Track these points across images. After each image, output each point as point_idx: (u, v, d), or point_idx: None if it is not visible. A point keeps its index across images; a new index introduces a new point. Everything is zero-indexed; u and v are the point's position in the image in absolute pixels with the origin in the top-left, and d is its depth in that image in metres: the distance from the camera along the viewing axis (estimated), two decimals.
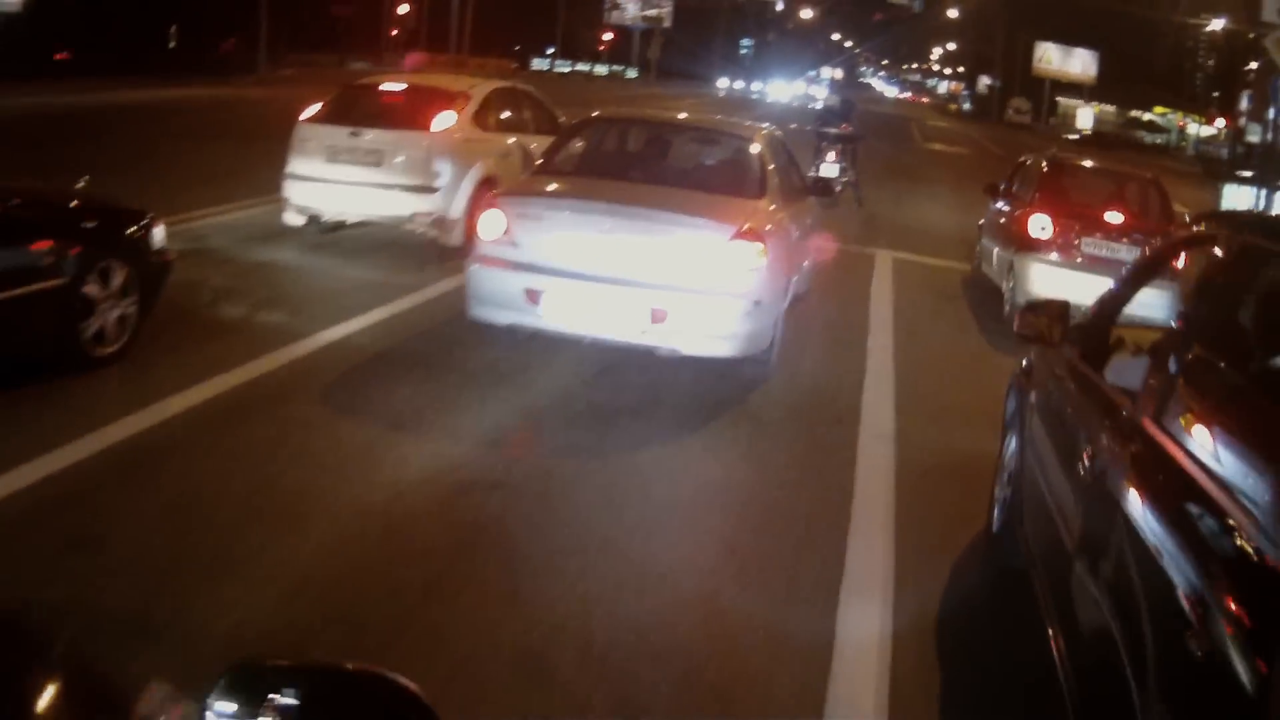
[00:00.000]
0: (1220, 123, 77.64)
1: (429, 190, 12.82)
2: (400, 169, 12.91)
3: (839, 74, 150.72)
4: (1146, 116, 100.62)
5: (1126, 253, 12.67)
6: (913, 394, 9.83)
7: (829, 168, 22.22)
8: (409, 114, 13.55)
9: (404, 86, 14.53)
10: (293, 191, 12.99)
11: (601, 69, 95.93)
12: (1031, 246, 12.98)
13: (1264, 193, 30.04)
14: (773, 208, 9.48)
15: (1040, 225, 12.98)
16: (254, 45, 47.22)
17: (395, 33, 61.52)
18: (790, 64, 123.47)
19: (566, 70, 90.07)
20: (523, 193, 9.45)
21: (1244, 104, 70.88)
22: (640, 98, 61.36)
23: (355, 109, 13.73)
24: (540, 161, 10.50)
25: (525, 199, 9.13)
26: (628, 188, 9.40)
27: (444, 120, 13.29)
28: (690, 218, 8.61)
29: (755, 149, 10.30)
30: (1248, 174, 38.24)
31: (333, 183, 12.98)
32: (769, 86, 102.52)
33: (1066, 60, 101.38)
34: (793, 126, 47.88)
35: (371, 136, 13.04)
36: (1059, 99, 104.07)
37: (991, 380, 9.30)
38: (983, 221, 16.26)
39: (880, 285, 14.91)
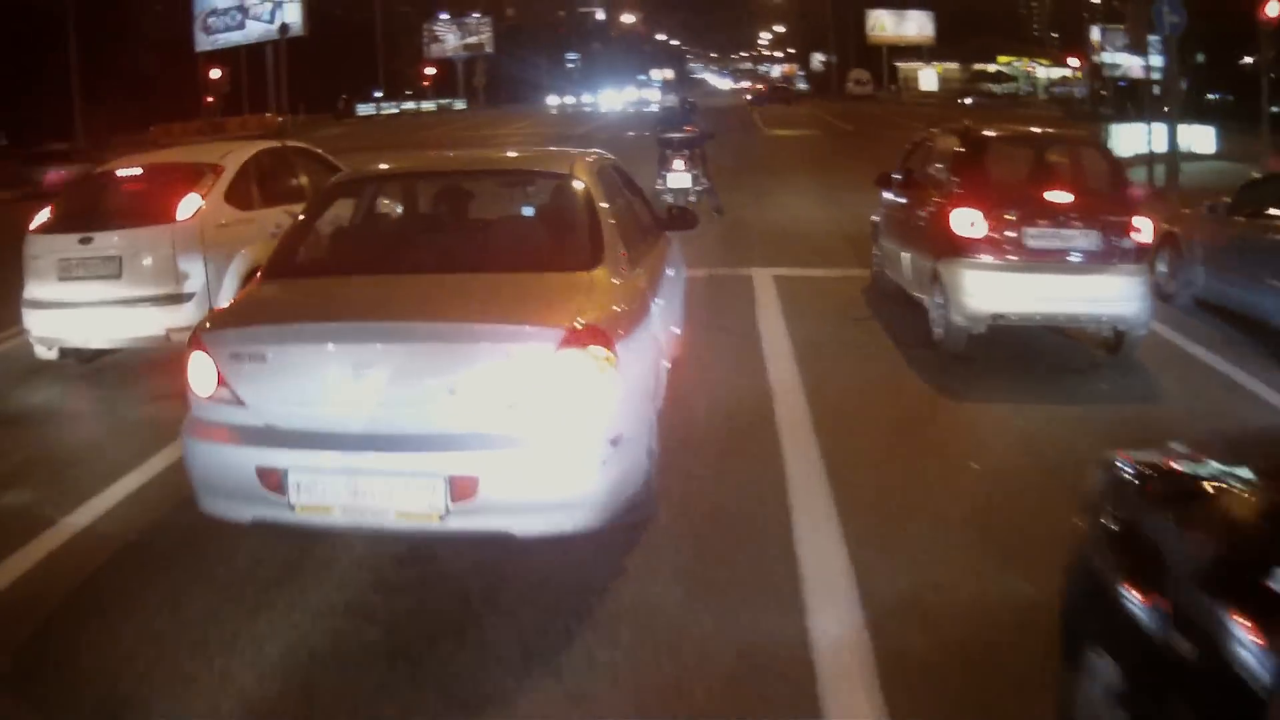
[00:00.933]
0: (1074, 63, 75.91)
1: (179, 299, 10.00)
2: (141, 277, 10.03)
3: (669, 74, 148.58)
4: (992, 68, 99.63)
5: (1082, 238, 9.74)
6: (858, 499, 6.70)
7: (678, 177, 19.19)
8: (145, 204, 10.62)
9: (141, 169, 11.43)
10: (32, 321, 10.33)
11: (429, 105, 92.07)
12: (962, 249, 9.86)
13: (1154, 128, 27.28)
14: (616, 279, 6.41)
15: (968, 221, 9.83)
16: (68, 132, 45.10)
17: (210, 100, 56.93)
18: (620, 71, 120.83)
19: (394, 111, 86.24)
20: (237, 321, 6.11)
21: (1096, 38, 69.47)
22: (468, 128, 58.32)
23: (86, 208, 10.88)
24: (269, 261, 7.06)
25: (241, 331, 5.84)
26: (396, 287, 6.32)
27: (188, 205, 10.31)
28: (492, 325, 5.59)
29: (579, 189, 7.06)
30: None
31: (69, 305, 10.13)
32: (601, 97, 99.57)
33: (901, 25, 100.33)
34: (630, 134, 45.90)
35: (104, 240, 10.12)
36: (897, 64, 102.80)
37: (954, 443, 7.98)
38: (878, 219, 13.25)
39: (768, 318, 11.89)
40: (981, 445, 7.85)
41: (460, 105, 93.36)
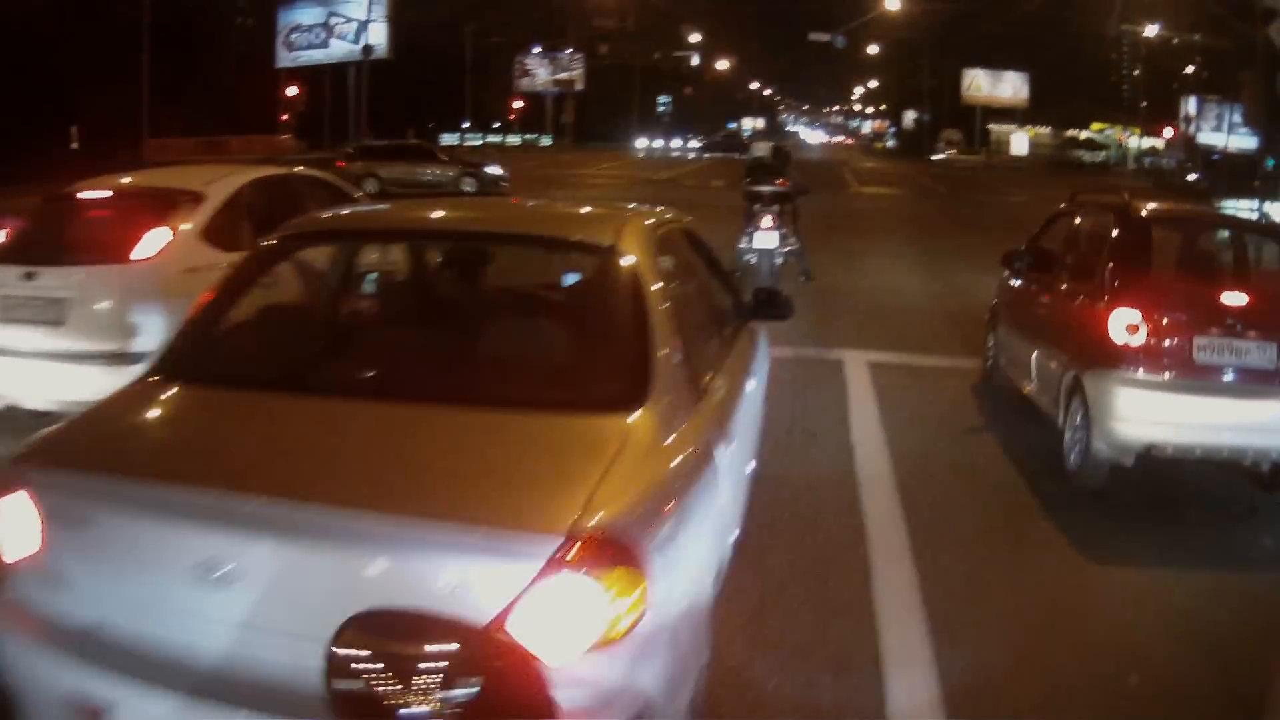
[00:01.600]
0: (1169, 133, 73.51)
1: (126, 359, 7.73)
2: (86, 326, 8.06)
3: (760, 123, 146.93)
4: (1084, 135, 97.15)
5: (1259, 351, 7.81)
6: None
7: (765, 236, 17.29)
8: (104, 237, 8.71)
9: (110, 193, 9.43)
10: None
11: (514, 139, 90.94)
12: (1116, 358, 7.89)
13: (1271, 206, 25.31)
14: (667, 431, 4.11)
15: (1128, 323, 7.88)
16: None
17: (285, 117, 55.78)
18: (711, 117, 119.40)
19: (478, 143, 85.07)
20: (74, 454, 3.97)
21: (1191, 110, 67.22)
22: (548, 165, 56.90)
23: (39, 237, 8.97)
24: (163, 348, 4.93)
25: (71, 476, 3.76)
26: (320, 425, 4.14)
27: (151, 242, 8.37)
28: (444, 526, 3.30)
29: (626, 272, 4.73)
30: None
31: (4, 353, 8.22)
32: (691, 142, 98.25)
33: (996, 85, 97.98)
34: (716, 185, 44.21)
35: (49, 278, 8.20)
36: (990, 126, 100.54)
37: (1104, 635, 6.02)
38: (998, 302, 11.24)
39: (863, 421, 9.93)
40: (1140, 639, 5.96)
41: (546, 141, 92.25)
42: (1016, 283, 10.65)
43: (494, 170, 39.99)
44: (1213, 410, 7.81)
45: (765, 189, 17.60)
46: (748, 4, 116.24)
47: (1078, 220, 10.05)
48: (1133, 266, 8.44)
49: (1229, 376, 7.77)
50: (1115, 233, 8.79)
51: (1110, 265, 8.46)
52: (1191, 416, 7.79)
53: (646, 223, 5.24)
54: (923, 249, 24.64)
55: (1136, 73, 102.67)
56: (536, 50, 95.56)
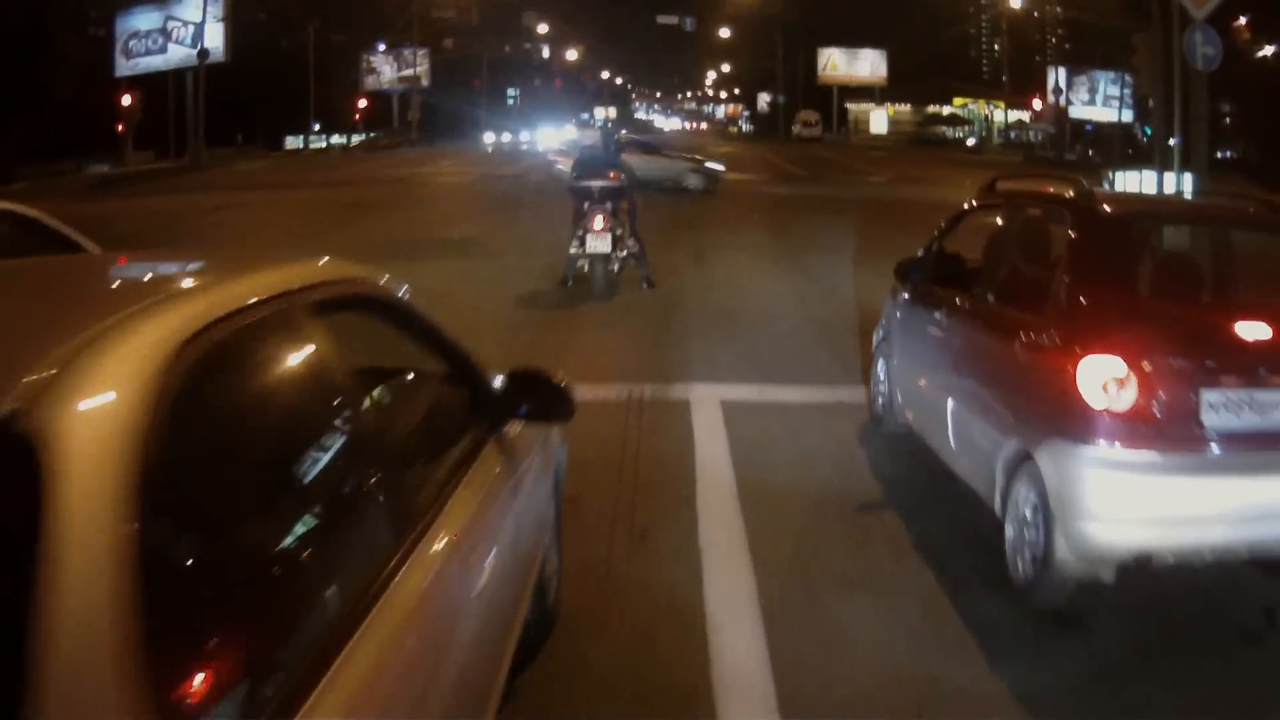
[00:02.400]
0: (1038, 105, 72.17)
1: None
2: None
3: (611, 112, 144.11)
4: (946, 110, 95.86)
5: None
6: None
7: (598, 239, 14.52)
8: None
9: None
10: None
11: (359, 138, 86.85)
12: (1088, 428, 5.13)
13: (1169, 177, 23.13)
14: None
15: (1107, 376, 5.10)
16: None
17: (120, 128, 51.33)
18: (561, 109, 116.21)
19: (322, 145, 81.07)
20: None
21: (1060, 81, 65.88)
22: (385, 165, 53.64)
23: None
24: None
25: None
26: None
27: None
28: None
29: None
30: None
31: None
32: (538, 134, 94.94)
33: (853, 64, 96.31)
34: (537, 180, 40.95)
35: None
36: (848, 105, 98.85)
37: None
38: (888, 323, 8.48)
39: (713, 499, 7.09)
40: None
41: None
42: (916, 302, 7.83)
43: (715, 166, 36.80)
44: (1232, 495, 5.12)
45: (595, 184, 14.79)
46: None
47: (1003, 219, 7.25)
48: (1105, 289, 5.65)
49: (1253, 444, 5.09)
50: (1074, 239, 5.95)
51: (1070, 287, 5.63)
52: (1201, 507, 5.12)
53: (155, 340, 2.13)
54: (785, 241, 22.00)
55: (998, 46, 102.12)
56: (381, 48, 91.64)
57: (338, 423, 2.90)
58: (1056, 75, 68.39)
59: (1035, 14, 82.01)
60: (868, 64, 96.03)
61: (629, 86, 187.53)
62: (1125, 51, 62.64)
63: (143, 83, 58.55)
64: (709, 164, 36.71)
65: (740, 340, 12.15)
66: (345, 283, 3.22)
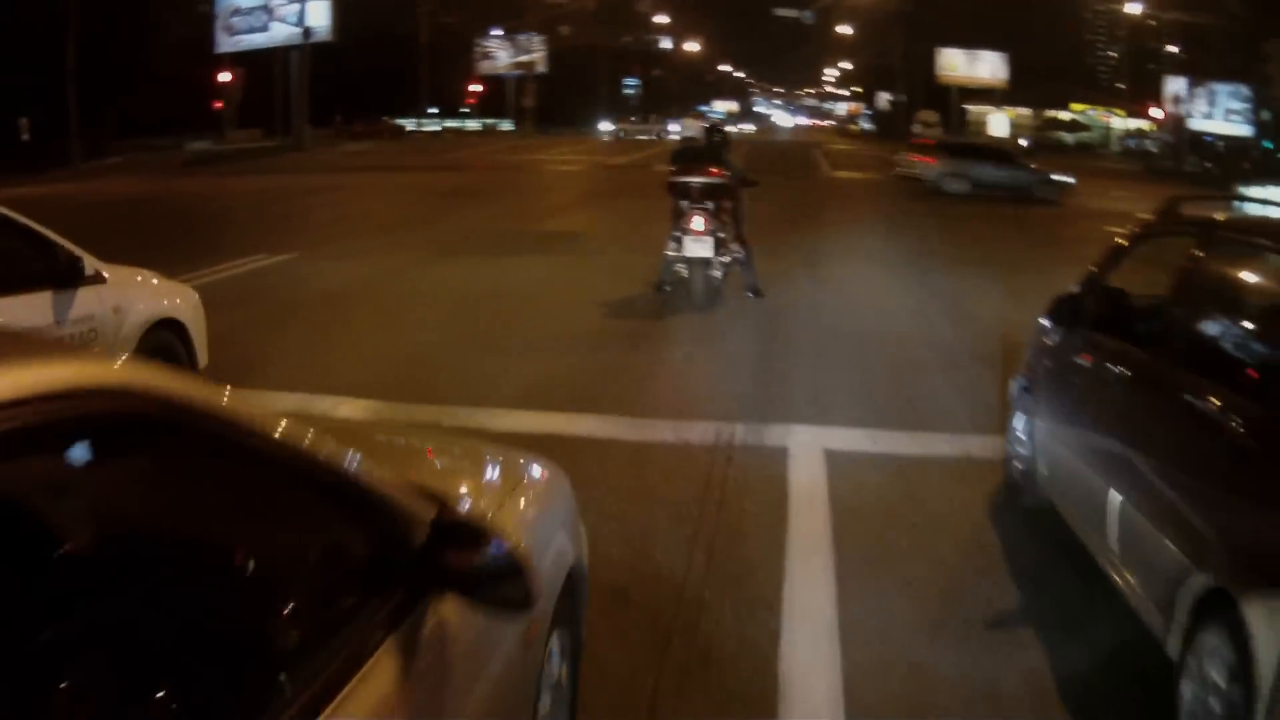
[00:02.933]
0: (1158, 114, 69.16)
1: None
2: None
3: (733, 106, 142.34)
4: (1066, 116, 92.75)
5: None
6: None
7: (697, 242, 13.02)
8: None
9: None
10: None
11: (474, 124, 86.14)
12: None
13: None
14: None
15: None
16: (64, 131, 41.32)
17: (219, 105, 50.70)
18: (680, 101, 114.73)
19: (437, 129, 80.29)
20: None
21: (1180, 91, 63.00)
22: (506, 152, 52.46)
23: None
24: None
25: None
26: None
27: None
28: None
29: None
30: None
31: None
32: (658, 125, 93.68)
33: (974, 65, 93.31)
34: (653, 171, 39.19)
35: None
36: (967, 107, 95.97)
37: None
38: (1035, 367, 6.80)
39: (807, 593, 5.54)
40: None
41: (507, 126, 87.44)
42: (1073, 352, 6.16)
43: (1065, 178, 35.12)
44: None
45: (695, 181, 13.25)
46: None
47: (1201, 254, 5.26)
48: None
49: None
50: None
51: None
52: None
53: None
54: (906, 248, 20.33)
55: (1113, 54, 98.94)
56: (497, 33, 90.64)
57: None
58: (1177, 85, 65.39)
59: (1153, 22, 78.92)
60: (988, 66, 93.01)
61: (748, 80, 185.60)
62: (1252, 60, 60.25)
63: (248, 60, 57.81)
64: (1056, 176, 35.03)
65: (853, 367, 10.62)
66: (118, 395, 1.74)
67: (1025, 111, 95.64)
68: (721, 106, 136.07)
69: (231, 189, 31.56)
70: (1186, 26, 64.67)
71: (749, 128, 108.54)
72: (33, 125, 42.01)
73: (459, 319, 12.54)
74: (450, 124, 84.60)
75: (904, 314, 13.51)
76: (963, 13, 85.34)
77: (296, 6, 56.71)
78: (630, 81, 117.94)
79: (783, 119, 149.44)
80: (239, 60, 57.87)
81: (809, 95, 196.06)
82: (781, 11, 75.18)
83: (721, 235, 13.26)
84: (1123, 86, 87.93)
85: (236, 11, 59.72)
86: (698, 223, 12.98)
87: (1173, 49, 79.66)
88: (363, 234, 20.61)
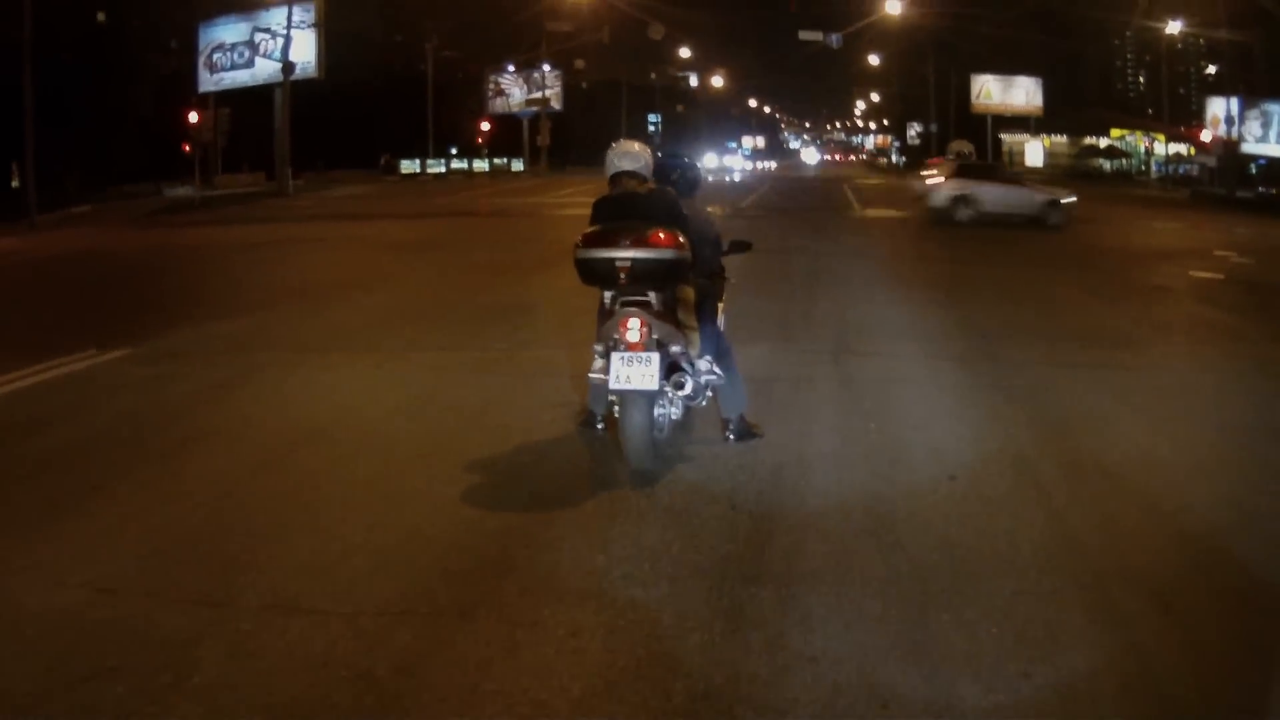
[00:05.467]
0: (1207, 136, 62.82)
1: None
2: None
3: (760, 141, 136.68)
4: (1104, 142, 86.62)
5: None
6: None
7: (631, 368, 7.12)
8: None
9: None
10: None
11: (482, 164, 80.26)
12: None
13: None
14: None
15: None
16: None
17: (187, 148, 45.05)
18: (705, 138, 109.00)
19: (441, 170, 74.56)
20: None
21: (1231, 111, 56.67)
22: (504, 195, 46.91)
23: None
24: None
25: None
26: None
27: None
28: None
29: None
30: None
31: None
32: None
33: (1008, 92, 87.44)
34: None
35: None
36: (1001, 135, 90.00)
37: None
38: None
39: None
40: None
41: (518, 166, 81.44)
42: None
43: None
44: None
45: (622, 257, 7.22)
46: (738, 16, 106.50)
47: None
48: None
49: None
50: None
51: None
52: None
53: None
54: (960, 314, 14.46)
55: (1142, 78, 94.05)
56: (510, 69, 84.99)
57: None
58: (1228, 106, 58.88)
59: (1201, 40, 73.57)
60: (1023, 92, 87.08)
61: (777, 116, 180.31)
62: None
63: (236, 99, 52.54)
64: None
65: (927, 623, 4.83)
66: None
67: (1061, 139, 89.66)
68: (749, 142, 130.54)
69: (176, 244, 27.37)
70: (1235, 45, 58.38)
71: (768, 164, 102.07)
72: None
73: (228, 501, 7.12)
74: (458, 165, 78.69)
75: (997, 472, 7.56)
76: (996, 38, 79.74)
77: (281, 41, 51.20)
78: (652, 118, 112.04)
79: (809, 155, 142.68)
80: (226, 100, 52.50)
81: (838, 129, 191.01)
82: (806, 35, 68.85)
83: (676, 348, 7.34)
84: (1168, 109, 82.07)
85: (220, 47, 54.56)
86: (633, 331, 7.08)
87: (1213, 69, 74.26)
88: (261, 308, 15.54)
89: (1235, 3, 52.65)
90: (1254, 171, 58.56)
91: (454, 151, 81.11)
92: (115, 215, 37.69)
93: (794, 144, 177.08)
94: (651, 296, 7.21)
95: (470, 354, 11.82)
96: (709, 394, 7.93)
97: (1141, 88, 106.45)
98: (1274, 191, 51.51)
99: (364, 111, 64.66)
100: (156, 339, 12.82)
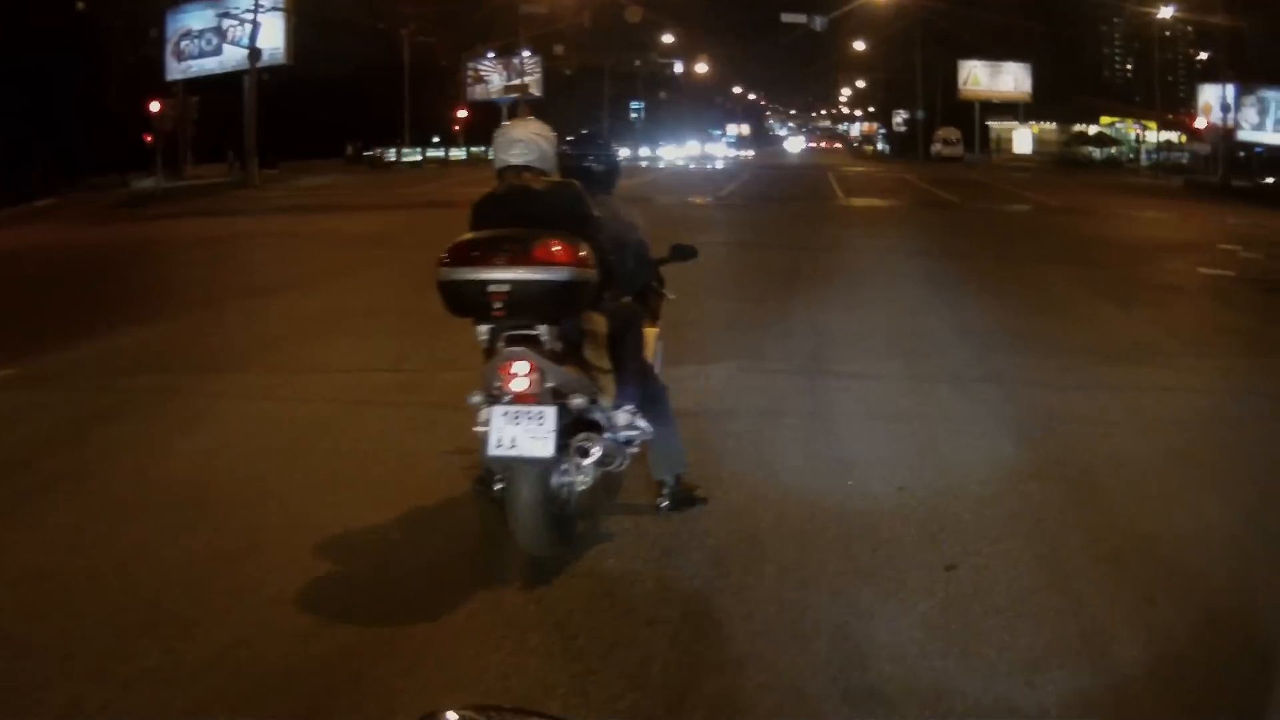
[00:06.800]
0: (1201, 123, 60.97)
1: None
2: None
3: (744, 128, 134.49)
4: (1093, 130, 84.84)
5: None
6: None
7: (519, 427, 5.22)
8: None
9: None
10: None
11: (459, 153, 77.78)
12: None
13: None
14: None
15: None
16: None
17: (150, 139, 42.81)
18: (689, 125, 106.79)
19: (417, 159, 72.24)
20: None
21: (1227, 98, 54.84)
22: (471, 183, 44.89)
23: None
24: None
25: None
26: None
27: None
28: None
29: None
30: None
31: None
32: (661, 150, 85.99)
33: (996, 78, 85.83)
34: (664, 200, 32.16)
35: None
36: (989, 123, 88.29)
37: None
38: None
39: None
40: None
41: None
42: None
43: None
44: None
45: (501, 279, 5.22)
46: (723, 2, 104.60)
47: None
48: None
49: None
50: None
51: None
52: None
53: None
54: (959, 323, 12.64)
55: (1130, 65, 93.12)
56: (490, 55, 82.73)
57: None
58: (1223, 93, 56.97)
59: (1189, 27, 72.13)
60: (1011, 78, 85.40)
61: (762, 103, 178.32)
62: None
63: (205, 86, 50.47)
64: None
65: None
66: None
67: (1050, 126, 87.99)
68: (734, 129, 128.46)
69: (126, 240, 25.35)
70: (1229, 31, 56.53)
71: (746, 153, 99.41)
72: None
73: (28, 590, 5.34)
74: (435, 153, 76.32)
75: (1011, 561, 5.63)
76: (984, 23, 77.95)
77: (249, 28, 49.09)
78: (635, 105, 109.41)
79: (793, 144, 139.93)
80: (197, 89, 50.43)
81: (824, 116, 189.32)
82: (789, 17, 66.72)
83: (579, 400, 5.40)
84: (1139, 99, 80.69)
85: (187, 34, 52.44)
86: (520, 379, 5.15)
87: (1204, 56, 72.82)
88: (185, 313, 13.89)
89: None
90: (1242, 158, 56.79)
91: (435, 140, 78.87)
92: (78, 209, 35.76)
93: (780, 131, 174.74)
94: (542, 331, 5.25)
95: (384, 375, 9.93)
96: (634, 450, 6.00)
97: (1129, 75, 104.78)
98: (1275, 180, 49.87)
99: (339, 100, 62.43)
100: (53, 353, 11.02)
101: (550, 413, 5.17)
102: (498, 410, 5.22)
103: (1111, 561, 5.56)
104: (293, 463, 7.29)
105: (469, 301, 5.22)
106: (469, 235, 5.38)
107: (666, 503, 6.13)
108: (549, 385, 5.25)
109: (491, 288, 5.09)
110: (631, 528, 5.98)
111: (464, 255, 5.23)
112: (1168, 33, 77.12)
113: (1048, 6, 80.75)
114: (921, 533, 5.96)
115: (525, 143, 5.76)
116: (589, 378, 5.52)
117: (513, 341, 5.27)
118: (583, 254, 5.22)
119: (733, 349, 10.77)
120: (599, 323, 5.63)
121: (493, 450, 5.18)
